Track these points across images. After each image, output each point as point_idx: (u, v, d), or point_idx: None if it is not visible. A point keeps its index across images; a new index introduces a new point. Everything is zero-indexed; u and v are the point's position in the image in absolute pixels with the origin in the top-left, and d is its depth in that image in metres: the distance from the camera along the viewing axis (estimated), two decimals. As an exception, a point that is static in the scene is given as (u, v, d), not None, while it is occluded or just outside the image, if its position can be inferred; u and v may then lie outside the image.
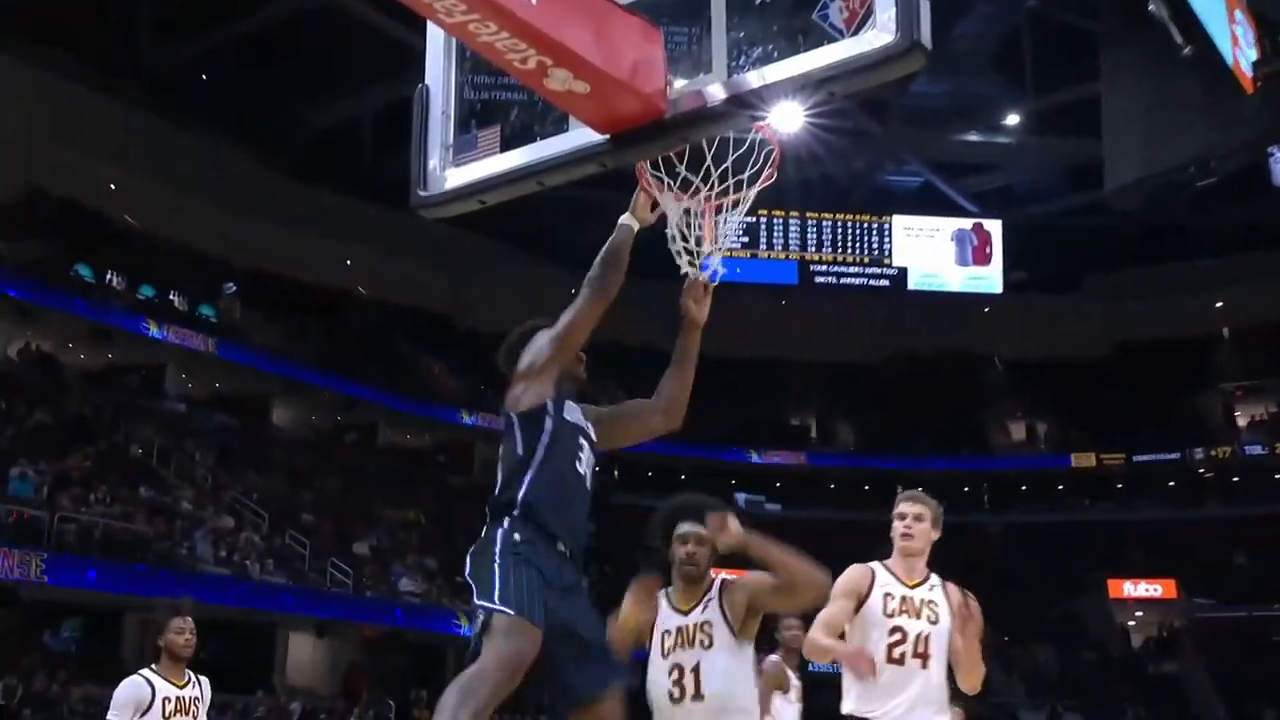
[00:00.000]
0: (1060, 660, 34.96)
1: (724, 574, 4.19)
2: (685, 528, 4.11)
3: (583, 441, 3.59)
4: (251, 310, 29.79)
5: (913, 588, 4.49)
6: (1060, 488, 38.84)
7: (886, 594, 4.46)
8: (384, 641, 26.35)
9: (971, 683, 4.40)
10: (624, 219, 3.75)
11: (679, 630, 4.05)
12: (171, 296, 27.86)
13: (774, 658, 6.28)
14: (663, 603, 4.19)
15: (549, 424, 3.51)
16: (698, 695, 3.98)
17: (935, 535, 4.54)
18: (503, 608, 3.16)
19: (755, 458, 37.69)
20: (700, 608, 4.07)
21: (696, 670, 3.97)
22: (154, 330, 26.22)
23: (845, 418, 40.10)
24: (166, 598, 5.76)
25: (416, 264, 34.25)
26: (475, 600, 3.25)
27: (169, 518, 22.63)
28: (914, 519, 4.51)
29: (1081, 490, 38.48)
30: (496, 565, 3.27)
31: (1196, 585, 34.87)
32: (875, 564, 4.57)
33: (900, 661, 4.37)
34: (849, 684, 4.40)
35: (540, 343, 3.67)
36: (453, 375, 35.20)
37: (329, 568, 24.83)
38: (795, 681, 6.29)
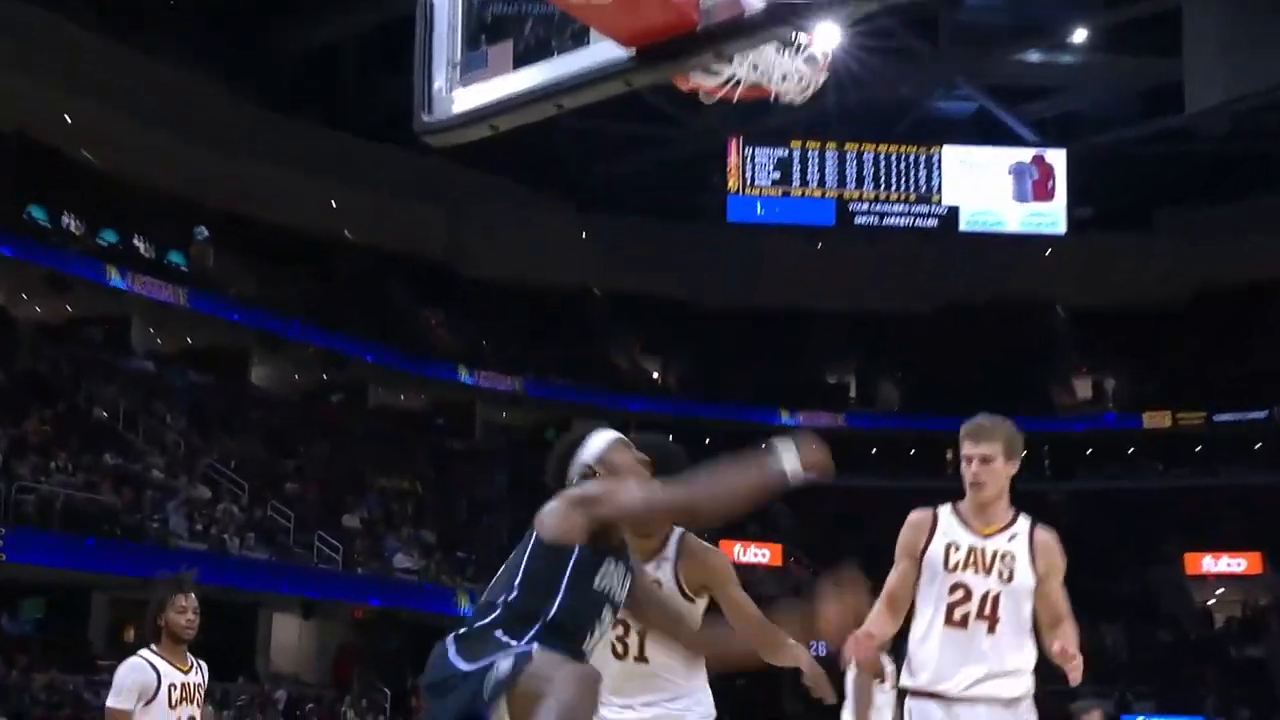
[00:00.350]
0: (1131, 643, 35.06)
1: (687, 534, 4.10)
2: None
3: (605, 613, 3.32)
4: (226, 257, 29.86)
5: (986, 536, 4.26)
6: (1131, 451, 38.78)
7: (950, 544, 4.24)
8: (377, 623, 26.62)
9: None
10: (787, 464, 3.26)
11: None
12: (136, 242, 27.94)
13: None
14: None
15: (564, 585, 3.22)
16: (641, 658, 4.03)
17: (1013, 469, 4.29)
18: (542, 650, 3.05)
19: (786, 419, 37.62)
20: (653, 564, 4.01)
21: (643, 634, 3.99)
22: (117, 279, 26.30)
23: (888, 375, 40.06)
24: (166, 573, 5.84)
25: (410, 204, 34.23)
26: (487, 660, 3.04)
27: (138, 487, 22.83)
28: (980, 461, 4.24)
29: (1155, 453, 38.38)
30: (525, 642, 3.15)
31: (1284, 559, 34.89)
32: (944, 508, 4.35)
33: (962, 624, 4.17)
34: (909, 652, 4.27)
35: (610, 491, 3.31)
36: (451, 328, 35.30)
37: (315, 542, 25.04)
38: (890, 668, 6.14)
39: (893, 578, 4.33)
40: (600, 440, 3.51)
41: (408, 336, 33.14)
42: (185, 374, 28.79)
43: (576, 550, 3.23)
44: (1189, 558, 36.01)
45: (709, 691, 4.11)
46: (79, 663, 20.68)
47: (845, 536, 30.68)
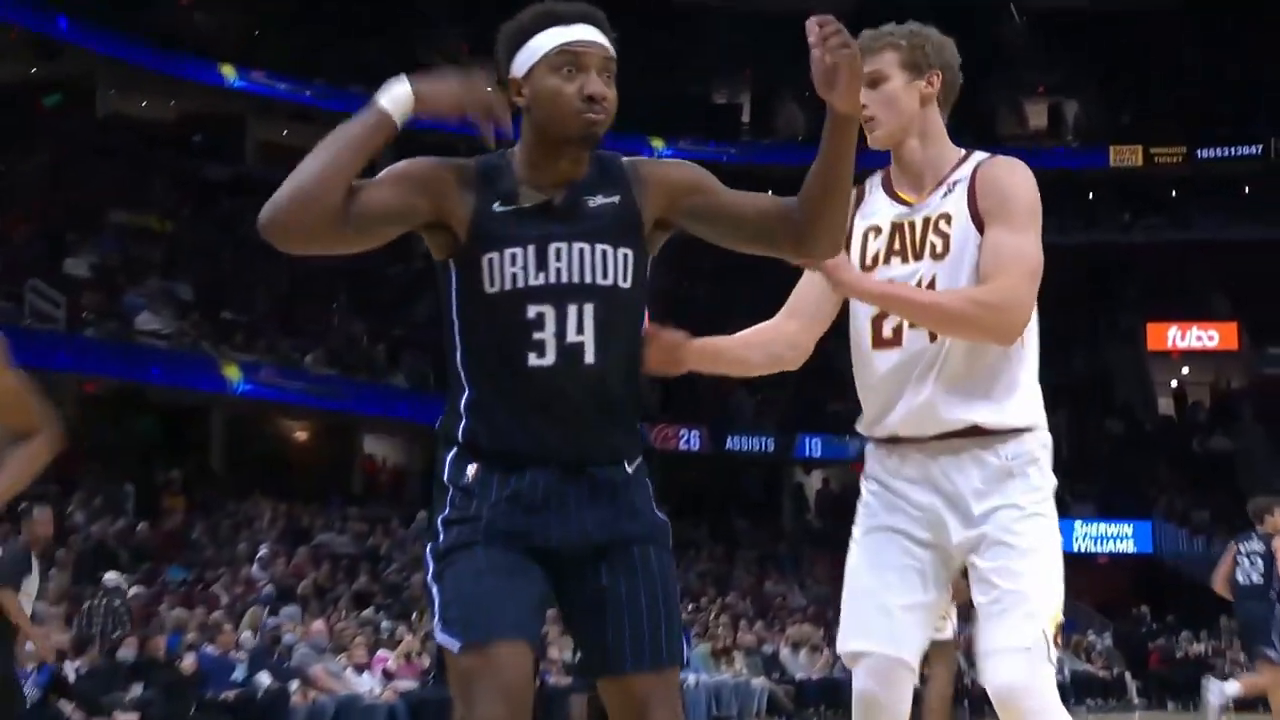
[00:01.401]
0: (1074, 434, 36.40)
1: None
2: None
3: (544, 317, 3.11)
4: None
5: (915, 205, 3.68)
6: (1091, 196, 39.54)
7: (869, 230, 3.72)
8: (115, 400, 26.48)
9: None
10: (386, 99, 2.95)
11: None
12: None
13: None
14: None
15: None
16: None
17: (929, 89, 3.69)
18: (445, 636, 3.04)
19: (662, 148, 37.54)
20: None
21: None
22: None
23: (792, 93, 39.97)
24: None
25: None
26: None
27: None
28: (868, 86, 3.57)
29: (1121, 200, 39.26)
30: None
31: (1268, 331, 36.23)
32: (874, 177, 3.84)
33: (895, 341, 3.63)
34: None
35: None
36: (210, 9, 34.15)
37: (28, 293, 24.57)
38: None
39: (796, 292, 3.86)
40: None
41: (149, 19, 31.98)
42: None
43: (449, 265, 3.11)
44: (1152, 330, 37.37)
45: None
46: None
47: (737, 290, 30.78)
